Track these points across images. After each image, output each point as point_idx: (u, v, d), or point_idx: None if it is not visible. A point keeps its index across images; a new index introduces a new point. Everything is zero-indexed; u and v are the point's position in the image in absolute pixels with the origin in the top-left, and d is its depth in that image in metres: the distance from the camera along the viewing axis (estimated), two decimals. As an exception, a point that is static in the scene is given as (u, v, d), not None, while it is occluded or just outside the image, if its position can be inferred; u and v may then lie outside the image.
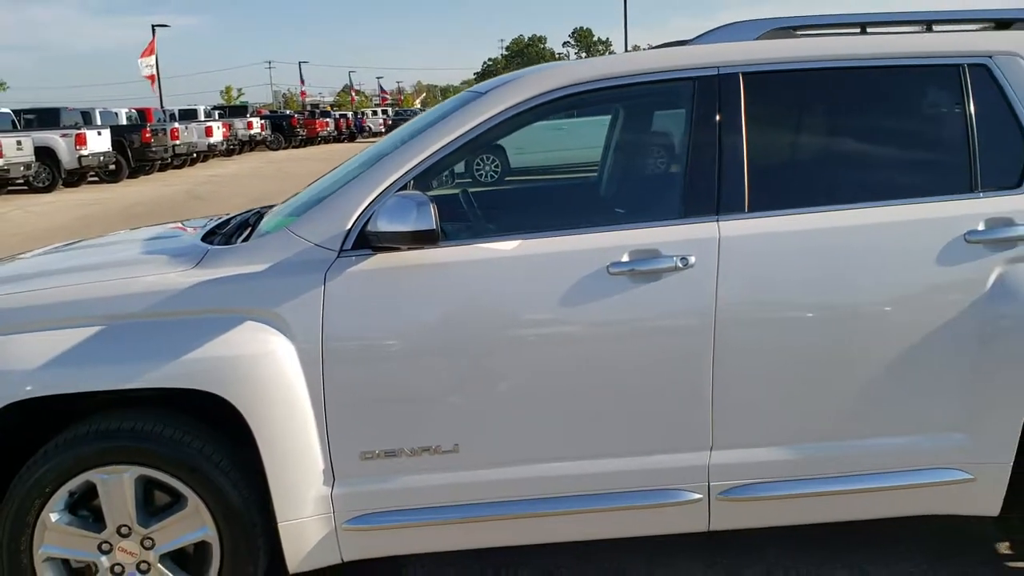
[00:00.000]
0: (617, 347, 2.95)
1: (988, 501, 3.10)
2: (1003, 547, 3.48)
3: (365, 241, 2.92)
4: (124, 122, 30.91)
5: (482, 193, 4.18)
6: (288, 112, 59.95)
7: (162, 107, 37.36)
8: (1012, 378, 2.98)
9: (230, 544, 2.94)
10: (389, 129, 45.72)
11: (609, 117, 4.36)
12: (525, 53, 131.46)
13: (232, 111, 47.55)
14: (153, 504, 2.98)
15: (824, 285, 2.96)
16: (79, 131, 24.09)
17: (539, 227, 3.07)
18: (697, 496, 3.02)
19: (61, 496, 2.89)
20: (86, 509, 2.96)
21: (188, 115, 39.21)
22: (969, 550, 3.51)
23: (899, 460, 3.05)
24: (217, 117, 40.49)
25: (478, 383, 2.93)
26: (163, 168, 30.13)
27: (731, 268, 2.93)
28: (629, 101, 3.93)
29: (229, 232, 3.44)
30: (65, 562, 2.97)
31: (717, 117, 3.04)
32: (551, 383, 2.94)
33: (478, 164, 19.21)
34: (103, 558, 2.94)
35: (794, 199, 3.04)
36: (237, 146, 39.75)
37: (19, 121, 24.50)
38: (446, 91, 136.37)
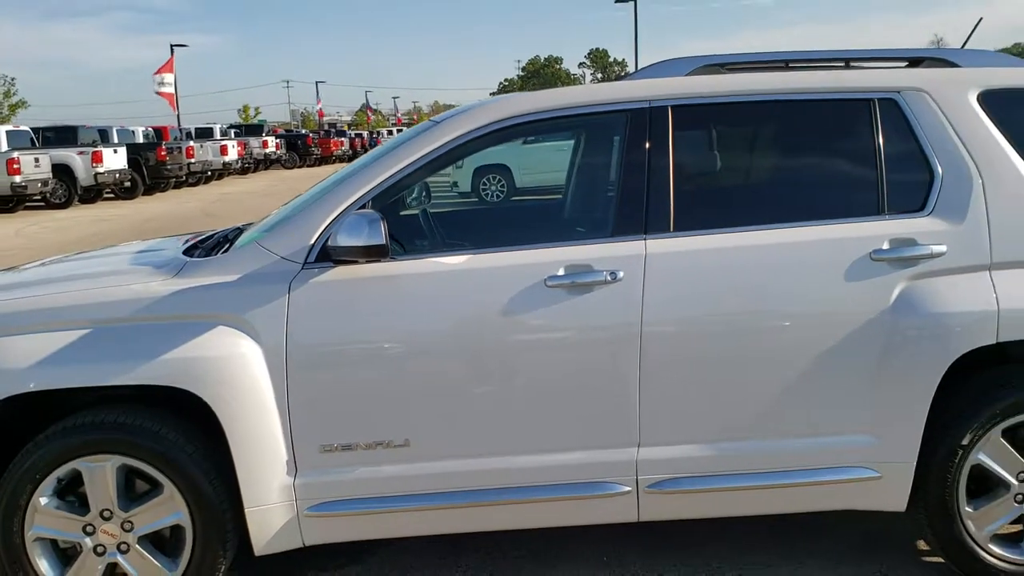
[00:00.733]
0: (553, 353, 3.25)
1: (895, 497, 3.38)
2: (922, 544, 3.75)
3: (327, 255, 3.24)
4: (140, 140, 31.53)
5: (440, 213, 4.51)
6: (304, 131, 60.66)
7: (179, 126, 37.96)
8: (914, 384, 3.26)
9: (202, 528, 3.25)
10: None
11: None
12: (541, 74, 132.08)
13: (248, 130, 48.21)
14: (133, 491, 3.29)
15: (741, 298, 3.26)
16: (96, 149, 24.65)
17: (486, 244, 3.39)
18: (627, 489, 3.31)
19: (50, 482, 3.21)
20: (72, 494, 3.28)
21: (204, 133, 39.85)
22: (893, 546, 3.79)
23: (812, 459, 3.33)
24: (233, 136, 41.11)
25: (426, 384, 3.23)
26: (178, 186, 30.64)
27: (656, 282, 3.23)
28: (572, 131, 4.25)
29: (209, 246, 3.78)
30: (53, 542, 3.29)
31: (647, 145, 3.36)
32: (492, 385, 3.25)
33: (484, 184, 19.58)
34: (87, 539, 3.26)
35: (716, 220, 3.35)
36: (252, 164, 40.29)
37: (38, 138, 25.10)
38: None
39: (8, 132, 23.48)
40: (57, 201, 24.13)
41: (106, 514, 3.24)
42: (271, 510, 3.26)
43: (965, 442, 3.33)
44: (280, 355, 3.19)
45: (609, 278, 3.22)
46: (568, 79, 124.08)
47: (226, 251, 3.50)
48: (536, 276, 3.23)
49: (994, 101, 3.44)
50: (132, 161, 26.68)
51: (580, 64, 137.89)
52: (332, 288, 3.22)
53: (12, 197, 22.17)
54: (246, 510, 3.24)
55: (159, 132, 35.23)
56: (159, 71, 34.46)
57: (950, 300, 3.25)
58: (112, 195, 27.20)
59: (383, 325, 3.23)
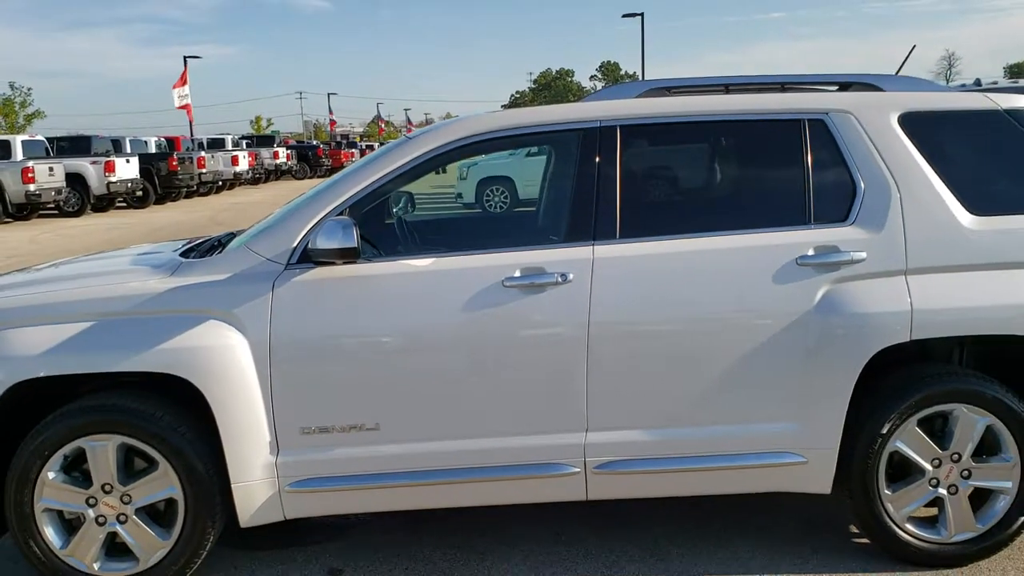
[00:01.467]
0: (509, 346, 3.61)
1: (820, 481, 3.73)
2: (854, 528, 4.09)
3: (307, 257, 3.61)
4: (153, 150, 32.07)
5: (414, 221, 4.88)
6: (315, 142, 61.26)
7: (192, 136, 38.53)
8: (835, 378, 3.61)
9: (193, 501, 3.61)
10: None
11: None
12: (552, 86, 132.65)
13: (260, 141, 48.77)
14: (131, 467, 3.67)
15: (680, 297, 3.62)
16: (109, 158, 25.17)
17: (452, 248, 3.77)
18: (576, 470, 3.67)
19: (57, 459, 3.58)
20: (77, 470, 3.65)
21: (216, 144, 40.41)
22: (826, 530, 4.13)
23: (744, 444, 3.68)
24: (245, 146, 41.64)
25: (394, 374, 3.60)
26: (189, 195, 31.18)
27: (602, 283, 3.60)
28: (532, 147, 4.62)
29: (203, 249, 4.16)
30: (59, 513, 3.66)
31: (597, 160, 3.73)
32: (454, 375, 3.61)
33: (488, 195, 19.99)
34: (90, 510, 3.63)
35: (658, 228, 3.71)
36: (263, 175, 40.83)
37: (52, 148, 25.63)
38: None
39: (24, 142, 24.01)
40: (70, 209, 24.67)
41: (107, 488, 3.61)
42: (255, 486, 3.63)
43: (884, 431, 3.66)
44: (264, 346, 3.56)
45: (560, 279, 3.58)
46: (579, 92, 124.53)
47: (218, 253, 3.88)
48: (495, 277, 3.60)
49: (912, 122, 3.79)
50: (144, 171, 27.22)
51: (591, 77, 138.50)
52: (311, 286, 3.60)
53: (27, 205, 22.70)
54: (232, 486, 3.60)
55: (171, 142, 35.78)
56: (176, 85, 35.04)
57: (868, 302, 3.59)
58: (124, 204, 27.73)
59: (356, 320, 3.59)
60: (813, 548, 3.97)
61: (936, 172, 3.73)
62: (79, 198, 24.83)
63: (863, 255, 3.63)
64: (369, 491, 3.68)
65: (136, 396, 3.65)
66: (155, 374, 3.57)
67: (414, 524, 4.29)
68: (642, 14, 36.97)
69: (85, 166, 24.76)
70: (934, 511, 3.81)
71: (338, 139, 71.90)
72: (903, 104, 3.84)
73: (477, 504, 3.78)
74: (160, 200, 28.63)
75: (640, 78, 41.84)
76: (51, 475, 3.59)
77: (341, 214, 3.68)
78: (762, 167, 3.90)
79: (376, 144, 63.19)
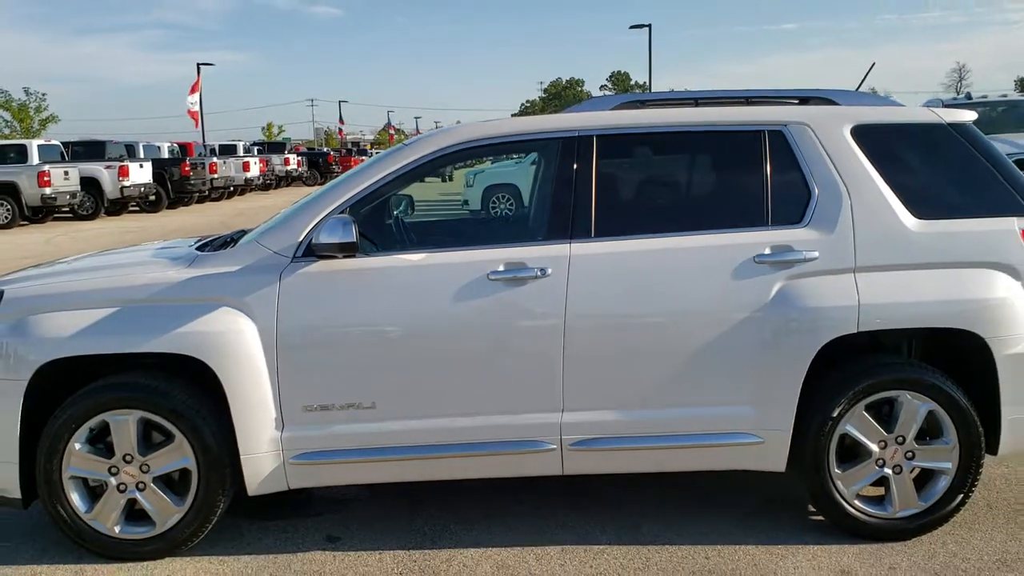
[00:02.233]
0: (492, 334, 3.99)
1: (775, 460, 4.09)
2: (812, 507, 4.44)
3: (311, 251, 4.00)
4: (166, 155, 32.59)
5: (411, 221, 5.27)
6: (325, 149, 61.82)
7: (203, 142, 39.07)
8: (788, 365, 3.97)
9: (205, 471, 3.99)
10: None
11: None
12: (562, 95, 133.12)
13: (271, 147, 49.37)
14: (150, 440, 4.05)
15: (648, 291, 3.99)
16: (122, 163, 25.70)
17: (442, 245, 4.16)
18: (553, 446, 4.03)
19: (83, 431, 3.97)
20: (101, 442, 4.04)
21: (228, 150, 40.94)
22: (786, 508, 4.49)
23: (706, 425, 4.04)
24: (256, 153, 42.18)
25: (389, 357, 3.97)
26: (201, 200, 31.69)
27: (578, 277, 3.97)
28: (516, 153, 5.00)
29: (217, 244, 4.54)
30: (84, 480, 4.04)
31: (575, 166, 4.11)
32: (444, 359, 3.98)
33: (494, 202, 20.39)
34: (112, 478, 4.01)
35: (630, 228, 4.08)
36: (273, 181, 41.35)
37: (67, 152, 26.16)
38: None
39: (40, 146, 24.53)
40: (84, 213, 25.20)
41: (128, 458, 3.99)
42: (262, 458, 4.00)
43: (835, 415, 4.02)
44: (271, 332, 3.94)
45: (539, 274, 3.96)
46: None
47: (231, 248, 4.26)
48: (481, 271, 3.98)
49: (864, 133, 4.16)
50: (157, 175, 27.77)
51: (601, 87, 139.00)
52: (314, 278, 3.98)
53: (42, 208, 23.23)
54: (241, 457, 3.98)
55: (184, 148, 36.31)
56: (192, 91, 35.62)
57: (819, 297, 3.96)
58: (137, 208, 28.27)
59: (354, 309, 3.97)
60: (774, 524, 4.32)
61: (884, 179, 4.09)
62: (93, 202, 25.37)
63: (815, 254, 3.99)
64: (365, 464, 4.05)
65: (155, 376, 4.03)
66: (173, 355, 3.95)
67: (409, 501, 4.66)
68: (649, 25, 37.36)
69: (100, 170, 25.29)
70: (881, 491, 4.15)
71: (348, 146, 72.55)
72: (856, 117, 4.21)
73: (464, 477, 4.14)
74: (172, 205, 29.16)
75: (648, 88, 42.28)
76: (77, 446, 3.97)
77: (342, 213, 4.06)
78: (725, 173, 4.29)
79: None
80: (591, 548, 4.09)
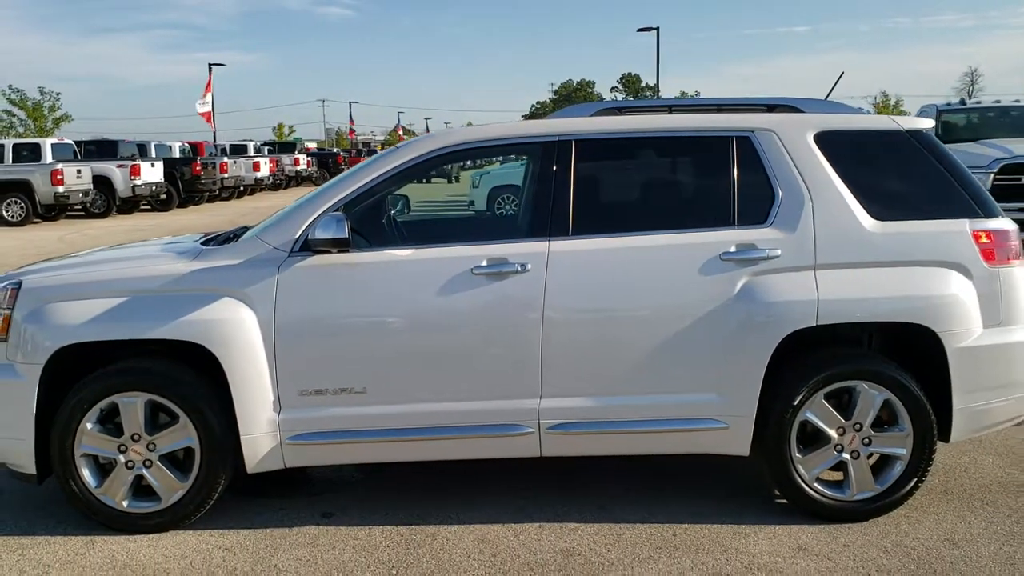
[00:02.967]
0: (475, 325, 4.27)
1: (739, 444, 4.36)
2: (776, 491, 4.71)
3: (307, 246, 4.29)
4: (177, 155, 33.01)
5: (403, 220, 5.57)
6: (335, 150, 62.21)
7: (214, 142, 39.47)
8: (751, 356, 4.24)
9: (208, 450, 4.29)
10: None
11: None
12: (573, 97, 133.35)
13: (281, 147, 49.80)
14: (156, 420, 4.35)
15: (622, 286, 4.27)
16: (134, 162, 26.10)
17: (431, 241, 4.45)
18: (531, 430, 4.32)
19: (95, 412, 4.27)
20: (111, 422, 4.34)
21: (239, 150, 41.36)
22: (752, 492, 4.76)
23: (675, 411, 4.31)
24: (266, 153, 42.57)
25: (378, 346, 4.26)
26: (211, 199, 32.06)
27: (556, 272, 4.26)
28: (502, 156, 5.30)
29: (221, 239, 4.84)
30: (95, 458, 4.35)
31: (554, 169, 4.40)
32: (429, 348, 4.27)
33: (499, 203, 20.68)
34: (121, 456, 4.32)
35: (605, 227, 4.37)
36: (283, 181, 41.71)
37: (80, 151, 26.59)
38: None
39: (53, 145, 24.99)
40: (96, 211, 25.62)
41: (135, 437, 4.29)
42: (260, 438, 4.30)
43: (796, 402, 4.29)
44: (270, 321, 4.23)
45: (520, 269, 4.25)
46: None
47: (234, 243, 4.56)
48: (465, 266, 4.27)
49: (826, 140, 4.44)
50: (168, 175, 28.17)
51: (612, 88, 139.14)
52: (310, 271, 4.28)
53: (55, 206, 23.63)
54: (241, 438, 4.28)
55: (195, 147, 36.75)
56: (204, 93, 36.00)
57: (781, 292, 4.23)
58: (148, 207, 28.67)
59: (347, 300, 4.27)
60: (740, 505, 4.60)
61: (844, 183, 4.37)
62: (105, 200, 25.78)
63: (778, 252, 4.27)
64: (356, 445, 4.35)
65: (161, 361, 4.34)
66: (178, 342, 4.25)
67: (398, 482, 4.96)
68: (657, 28, 37.63)
69: (112, 169, 25.70)
70: (840, 475, 4.43)
71: (359, 147, 72.94)
72: (819, 124, 4.48)
73: (448, 458, 4.44)
74: (183, 204, 29.54)
75: (657, 90, 42.51)
76: (89, 426, 4.27)
77: (337, 211, 4.35)
78: (695, 176, 4.58)
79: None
80: (566, 525, 4.38)
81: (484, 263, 4.26)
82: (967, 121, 14.07)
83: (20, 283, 4.37)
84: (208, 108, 36.84)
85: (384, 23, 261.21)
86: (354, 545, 4.21)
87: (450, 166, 37.61)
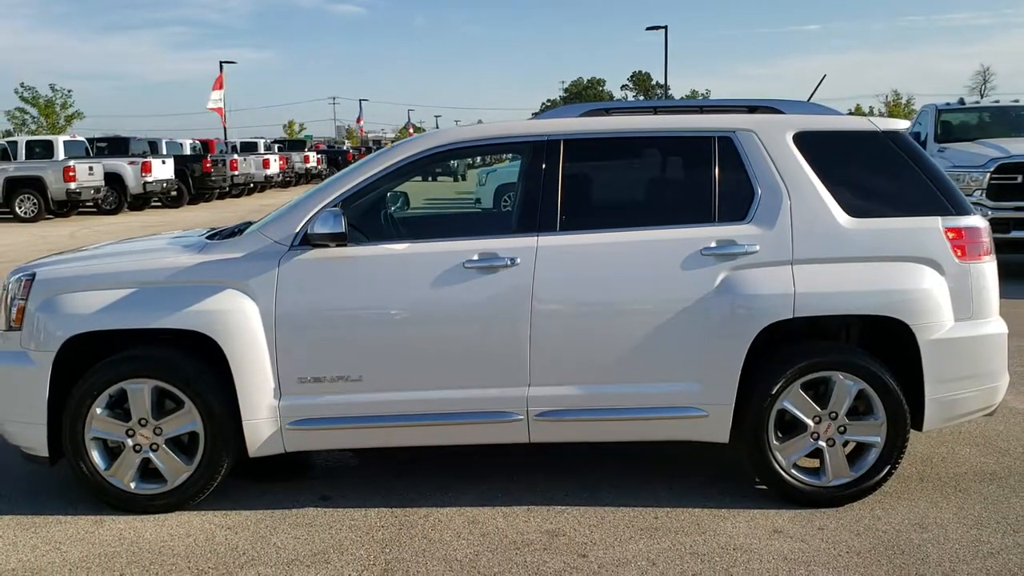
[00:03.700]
0: (466, 316, 4.47)
1: (719, 432, 4.55)
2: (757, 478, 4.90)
3: (307, 240, 4.50)
4: (188, 152, 33.31)
5: (399, 216, 5.77)
6: (345, 147, 62.49)
7: (225, 139, 39.78)
8: (730, 346, 4.43)
9: (211, 434, 4.50)
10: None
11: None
12: (583, 95, 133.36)
13: (291, 145, 50.06)
14: (163, 406, 4.56)
15: (607, 279, 4.46)
16: (145, 159, 26.42)
17: (424, 236, 4.66)
18: (520, 417, 4.51)
19: (104, 398, 4.49)
20: (119, 407, 4.55)
21: (249, 147, 41.64)
22: (733, 478, 4.95)
23: (657, 400, 4.50)
24: (276, 150, 42.85)
25: (373, 336, 4.46)
26: (222, 196, 32.36)
27: (544, 266, 4.45)
28: (492, 156, 5.50)
29: (225, 233, 5.06)
30: (104, 441, 4.56)
31: (543, 167, 4.59)
32: (422, 338, 4.47)
33: (505, 201, 20.88)
34: (129, 440, 4.53)
35: (591, 223, 4.56)
36: (293, 178, 41.98)
37: (92, 148, 26.90)
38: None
39: (65, 142, 25.30)
40: (108, 207, 25.94)
41: (143, 422, 4.51)
42: (261, 424, 4.50)
43: (773, 392, 4.47)
44: (271, 311, 4.44)
45: (509, 263, 4.44)
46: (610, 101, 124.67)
47: (237, 237, 4.76)
48: (457, 260, 4.47)
49: (804, 140, 4.62)
50: (179, 172, 28.47)
51: (623, 87, 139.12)
52: (309, 264, 4.48)
53: (67, 202, 23.95)
54: (243, 423, 4.48)
55: (206, 145, 37.04)
56: (214, 88, 36.33)
57: (759, 286, 4.42)
58: (159, 203, 28.97)
59: (344, 292, 4.47)
60: (721, 491, 4.79)
61: (821, 181, 4.55)
62: (117, 197, 26.10)
63: (757, 248, 4.45)
64: (353, 431, 4.55)
65: (167, 349, 4.55)
66: (183, 331, 4.46)
67: (394, 467, 5.17)
68: (665, 27, 37.76)
69: (123, 166, 26.02)
70: (816, 462, 4.61)
71: (369, 144, 73.21)
72: (798, 125, 4.67)
73: (441, 444, 4.65)
74: (194, 201, 29.82)
75: (666, 89, 42.65)
76: (99, 410, 4.49)
77: (335, 207, 4.55)
78: (678, 175, 4.77)
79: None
80: (553, 508, 4.58)
81: (475, 257, 4.46)
82: (965, 121, 14.20)
83: (33, 275, 4.58)
84: (219, 104, 37.14)
85: (396, 21, 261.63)
86: (350, 525, 4.41)
87: (456, 164, 37.89)
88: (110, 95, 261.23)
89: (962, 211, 4.58)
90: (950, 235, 4.51)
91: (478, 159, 26.69)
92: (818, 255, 4.47)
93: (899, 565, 3.95)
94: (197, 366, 4.50)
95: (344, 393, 4.51)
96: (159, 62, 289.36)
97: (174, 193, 28.51)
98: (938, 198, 4.57)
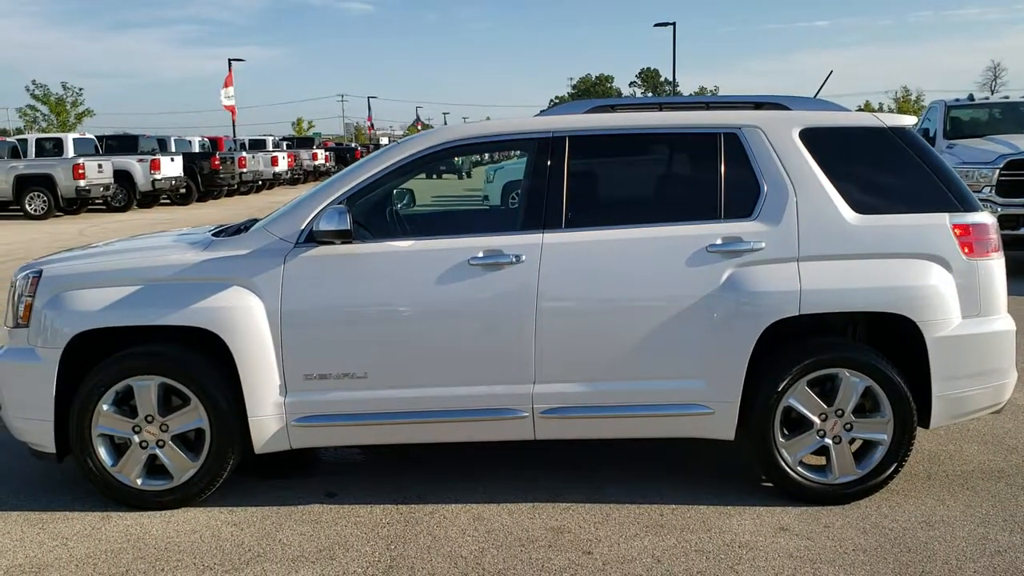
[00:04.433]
0: (472, 313, 4.47)
1: (724, 429, 4.54)
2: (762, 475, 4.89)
3: (312, 237, 4.50)
4: (196, 150, 33.38)
5: (404, 213, 5.77)
6: (353, 144, 62.52)
7: (234, 136, 39.82)
8: (736, 344, 4.42)
9: (217, 431, 4.51)
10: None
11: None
12: (592, 92, 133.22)
13: (300, 142, 50.10)
14: (169, 403, 4.58)
15: (612, 276, 4.45)
16: (154, 157, 26.48)
17: (429, 233, 4.65)
18: (525, 414, 4.51)
19: (111, 394, 4.50)
20: (126, 404, 4.56)
21: (258, 145, 41.72)
22: (739, 476, 4.94)
23: (662, 397, 4.49)
24: (285, 148, 42.91)
25: (378, 333, 4.47)
26: (230, 194, 32.45)
27: (549, 263, 4.44)
28: (497, 152, 5.50)
29: (231, 230, 5.06)
30: (111, 437, 4.58)
31: (548, 164, 4.59)
32: (428, 335, 4.47)
33: (513, 199, 20.87)
34: (135, 436, 4.54)
35: (596, 220, 4.56)
36: (302, 175, 42.03)
37: (101, 146, 26.98)
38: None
39: (75, 140, 25.41)
40: (117, 205, 26.03)
41: (149, 419, 4.52)
42: (267, 420, 4.51)
43: (779, 389, 4.46)
44: (276, 308, 4.44)
45: (514, 260, 4.44)
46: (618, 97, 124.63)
47: (243, 234, 4.77)
48: (462, 257, 4.46)
49: (810, 136, 4.60)
50: (188, 169, 28.55)
51: (631, 83, 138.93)
52: (314, 261, 4.48)
53: (76, 200, 24.03)
54: (249, 419, 4.49)
55: (214, 142, 37.11)
56: (225, 85, 36.42)
57: (765, 283, 4.40)
58: (168, 201, 29.05)
59: (349, 289, 4.47)
60: (727, 488, 4.77)
61: (828, 178, 4.53)
62: (126, 194, 26.18)
63: (762, 244, 4.44)
64: (358, 427, 4.56)
65: (173, 346, 4.56)
66: (189, 328, 4.47)
67: (400, 464, 5.18)
68: (673, 23, 37.67)
69: (132, 164, 26.10)
70: (823, 459, 4.60)
71: (377, 141, 73.27)
72: (804, 121, 4.65)
73: (446, 441, 4.64)
74: (202, 198, 29.91)
75: (674, 85, 42.56)
76: (105, 407, 4.50)
77: (340, 204, 4.55)
78: (684, 171, 4.76)
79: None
80: (559, 505, 4.58)
81: (480, 254, 4.46)
82: (975, 117, 14.13)
83: (40, 272, 4.60)
84: (232, 102, 37.21)
85: (404, 18, 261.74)
86: (355, 521, 4.42)
87: (460, 161, 37.88)
88: (120, 93, 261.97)
89: (969, 207, 4.56)
90: (957, 232, 4.49)
91: (486, 156, 26.72)
92: (824, 252, 4.45)
93: (906, 563, 3.93)
94: (203, 363, 4.51)
95: (349, 390, 4.51)
96: (168, 60, 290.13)
97: (183, 190, 28.58)
98: (945, 194, 4.55)
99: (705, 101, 4.94)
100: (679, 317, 4.44)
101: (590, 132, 4.66)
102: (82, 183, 23.54)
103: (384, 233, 4.87)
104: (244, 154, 33.12)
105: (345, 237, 4.42)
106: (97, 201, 25.31)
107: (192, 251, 4.62)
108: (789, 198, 4.50)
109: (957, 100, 14.17)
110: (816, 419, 4.52)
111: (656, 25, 38.58)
